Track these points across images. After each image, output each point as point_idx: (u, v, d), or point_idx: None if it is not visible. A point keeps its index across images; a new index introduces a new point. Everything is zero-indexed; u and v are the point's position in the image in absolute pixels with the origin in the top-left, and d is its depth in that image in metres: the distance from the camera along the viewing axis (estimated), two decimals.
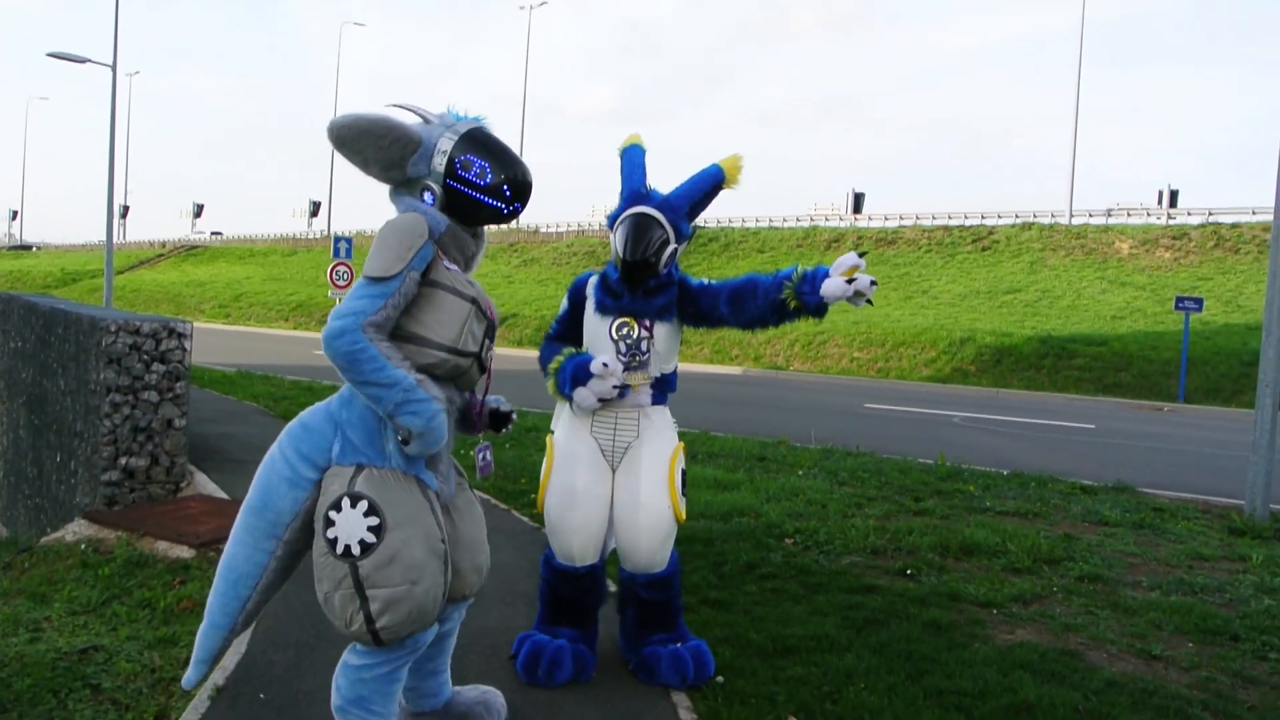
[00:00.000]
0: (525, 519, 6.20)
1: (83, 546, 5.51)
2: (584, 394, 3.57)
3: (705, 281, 3.78)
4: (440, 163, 2.79)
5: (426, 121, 2.88)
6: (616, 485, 3.73)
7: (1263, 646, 4.48)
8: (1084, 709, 3.66)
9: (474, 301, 2.81)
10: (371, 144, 2.76)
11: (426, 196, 2.81)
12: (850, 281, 3.37)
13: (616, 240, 3.60)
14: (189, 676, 2.84)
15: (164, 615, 4.43)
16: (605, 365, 3.52)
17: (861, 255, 3.42)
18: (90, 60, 24.46)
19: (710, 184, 3.76)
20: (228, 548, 2.80)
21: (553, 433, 3.88)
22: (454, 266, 2.84)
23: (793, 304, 3.48)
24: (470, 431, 3.13)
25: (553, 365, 3.70)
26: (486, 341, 2.91)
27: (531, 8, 51.18)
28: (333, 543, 2.60)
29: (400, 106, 2.91)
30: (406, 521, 2.63)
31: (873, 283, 3.39)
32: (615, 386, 3.56)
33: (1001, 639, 4.45)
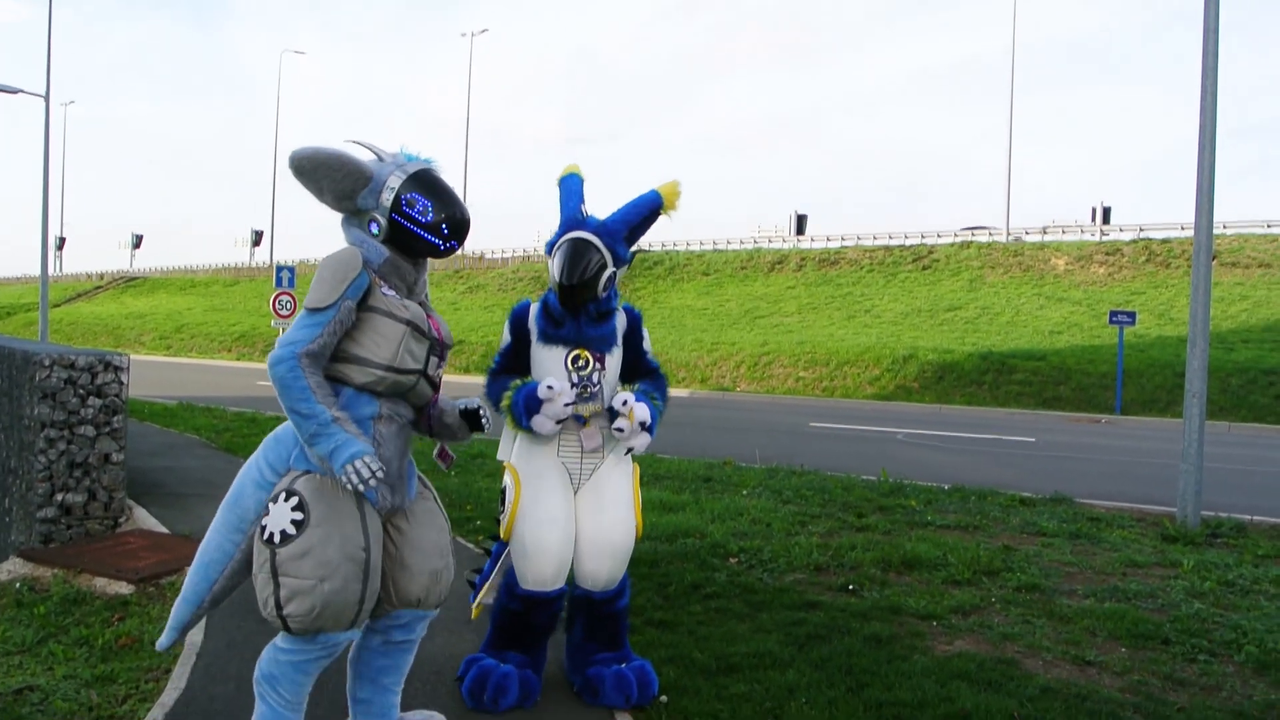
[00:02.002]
0: (471, 545, 6.18)
1: (17, 585, 5.40)
2: (541, 421, 3.56)
3: (650, 353, 3.96)
4: (388, 198, 3.01)
5: (380, 159, 3.09)
6: (580, 506, 3.77)
7: (1192, 649, 4.61)
8: (1019, 715, 3.75)
9: (409, 323, 3.01)
10: (327, 175, 2.98)
11: (372, 227, 3.04)
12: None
13: (554, 265, 3.65)
14: (161, 641, 3.17)
15: (102, 653, 4.36)
16: (550, 387, 3.53)
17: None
18: (22, 90, 24.07)
19: (648, 209, 3.85)
20: (206, 535, 3.10)
21: (508, 461, 3.87)
22: (391, 292, 3.03)
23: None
24: (450, 436, 3.32)
25: (504, 402, 3.67)
26: (434, 360, 3.13)
27: (473, 35, 51.40)
28: (263, 529, 2.86)
29: (358, 144, 3.13)
30: (328, 522, 2.85)
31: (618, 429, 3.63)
32: (567, 404, 3.56)
33: (940, 650, 4.53)
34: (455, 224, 3.03)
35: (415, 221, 3.00)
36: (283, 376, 2.82)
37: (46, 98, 23.83)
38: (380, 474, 2.80)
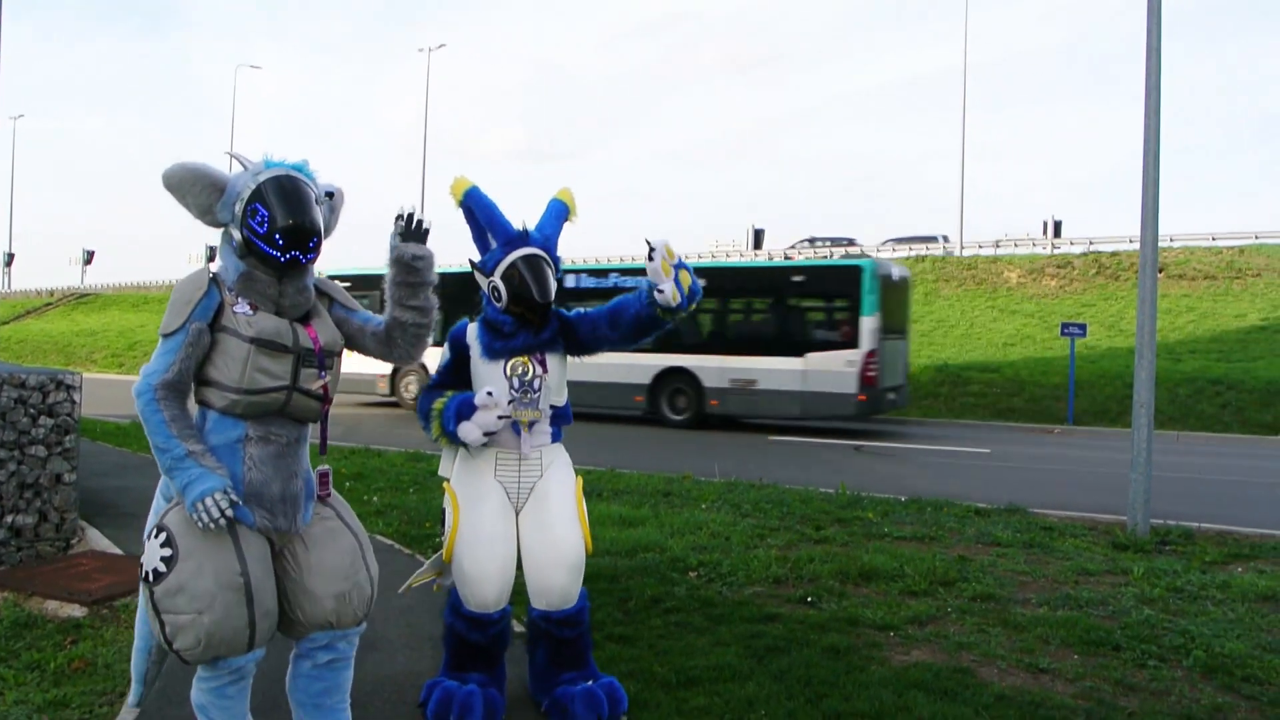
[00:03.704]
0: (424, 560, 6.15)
1: None
2: (468, 428, 3.54)
3: (580, 310, 3.88)
4: (239, 208, 2.95)
5: (245, 169, 3.02)
6: (523, 525, 3.76)
7: (1142, 655, 4.70)
8: None
9: (255, 340, 2.92)
10: (189, 189, 2.97)
11: (232, 241, 2.99)
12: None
13: (513, 285, 3.64)
14: (130, 698, 3.23)
15: (54, 677, 4.30)
16: (490, 394, 3.53)
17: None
18: None
19: (563, 219, 3.95)
20: None
21: (447, 480, 3.86)
22: (244, 310, 2.96)
23: (656, 309, 3.58)
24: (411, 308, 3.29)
25: (436, 407, 3.68)
26: (307, 372, 3.02)
27: (430, 50, 51.16)
28: (141, 567, 2.87)
29: (231, 155, 3.11)
30: (197, 554, 2.82)
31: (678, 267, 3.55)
32: (501, 416, 3.56)
33: (898, 660, 4.59)
34: (290, 233, 2.91)
35: (254, 233, 2.92)
36: (141, 410, 2.83)
37: None
38: (230, 511, 2.77)
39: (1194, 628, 5.09)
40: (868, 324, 15.73)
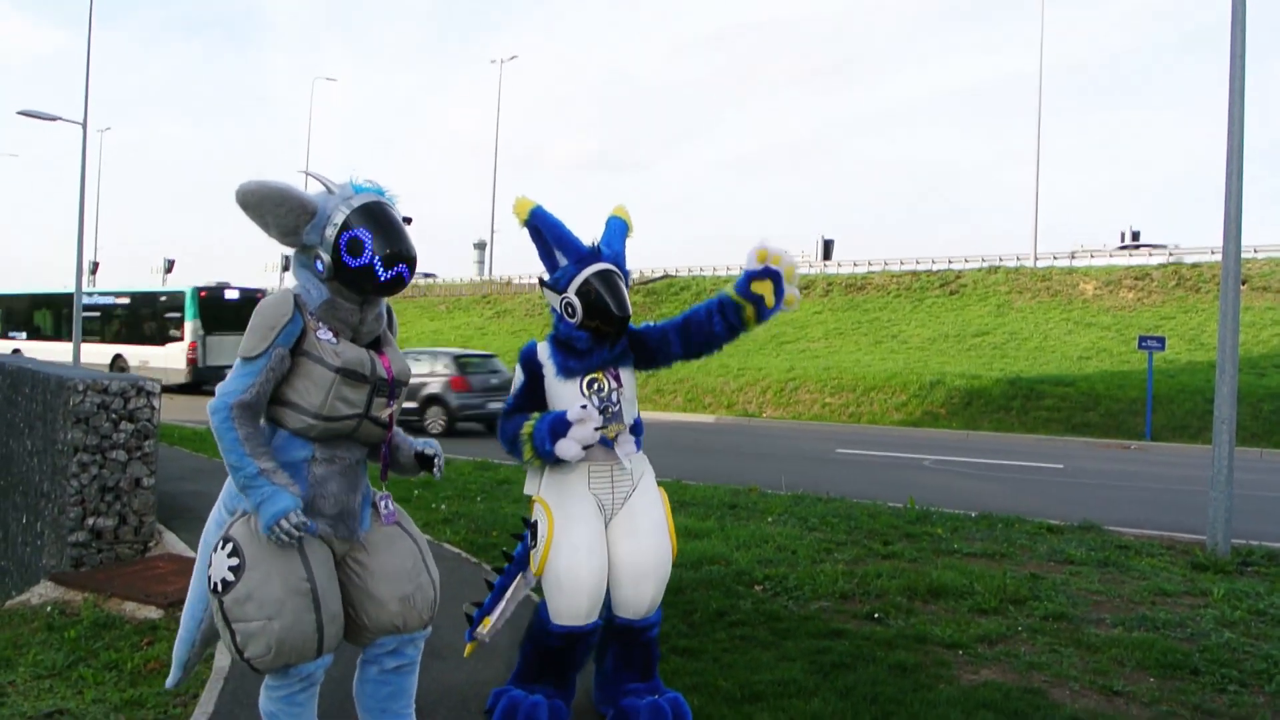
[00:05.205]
0: (487, 567, 6.19)
1: (48, 609, 5.47)
2: (567, 445, 3.50)
3: (647, 324, 3.88)
4: (331, 233, 2.95)
5: (330, 192, 3.03)
6: (615, 536, 3.74)
7: (1222, 679, 4.55)
8: None
9: (340, 370, 2.97)
10: (271, 210, 2.95)
11: (318, 264, 2.99)
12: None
13: (589, 300, 3.60)
14: (169, 679, 3.30)
15: (131, 677, 4.41)
16: (584, 408, 3.51)
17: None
18: (60, 118, 24.49)
19: (625, 235, 3.93)
20: (193, 575, 3.27)
21: (537, 495, 3.80)
22: (328, 337, 3.01)
23: (745, 309, 3.59)
24: (401, 472, 3.36)
25: (525, 430, 3.62)
26: (379, 401, 3.08)
27: (502, 62, 51.85)
28: (209, 579, 2.92)
29: (310, 174, 3.13)
30: (264, 561, 2.87)
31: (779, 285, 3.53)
32: (596, 429, 3.54)
33: (966, 679, 4.50)
34: (396, 261, 2.95)
35: (356, 257, 2.94)
36: (216, 427, 2.89)
37: (84, 125, 24.19)
38: (302, 529, 2.83)
39: (1277, 653, 4.91)
40: (190, 326, 27.04)
